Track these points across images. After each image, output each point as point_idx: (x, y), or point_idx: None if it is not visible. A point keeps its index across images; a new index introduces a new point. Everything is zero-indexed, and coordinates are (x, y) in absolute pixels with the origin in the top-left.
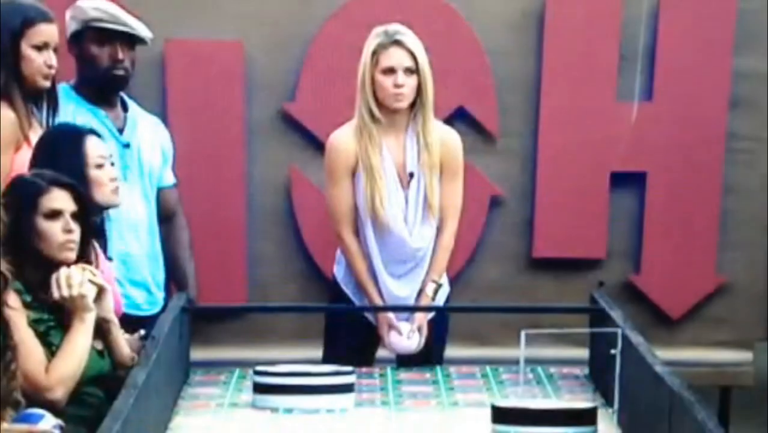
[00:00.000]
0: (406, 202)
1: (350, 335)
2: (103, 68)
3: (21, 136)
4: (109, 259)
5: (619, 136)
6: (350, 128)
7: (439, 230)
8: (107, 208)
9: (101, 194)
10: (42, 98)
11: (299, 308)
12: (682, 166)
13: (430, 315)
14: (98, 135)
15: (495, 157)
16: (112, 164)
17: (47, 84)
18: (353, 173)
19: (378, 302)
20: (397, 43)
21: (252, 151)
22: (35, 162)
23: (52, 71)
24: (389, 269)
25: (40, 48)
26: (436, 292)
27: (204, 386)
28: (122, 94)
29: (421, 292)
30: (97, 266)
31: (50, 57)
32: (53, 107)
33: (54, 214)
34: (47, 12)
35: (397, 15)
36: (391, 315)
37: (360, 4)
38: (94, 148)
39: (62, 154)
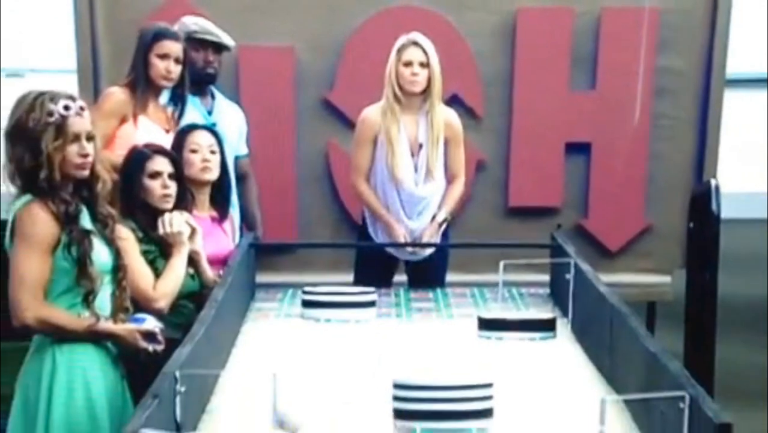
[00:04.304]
0: (415, 166)
1: (373, 265)
2: (198, 68)
3: (129, 113)
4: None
5: (571, 116)
6: (378, 107)
7: (450, 183)
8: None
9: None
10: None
11: (335, 245)
12: (618, 138)
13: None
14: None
15: (480, 132)
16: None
17: (167, 84)
18: (375, 141)
19: (389, 220)
20: (415, 43)
21: (300, 129)
22: None
23: (171, 75)
24: (405, 211)
25: (162, 57)
26: (442, 223)
27: (265, 301)
28: (211, 87)
29: (433, 219)
30: (190, 212)
31: (170, 65)
32: (181, 106)
33: (155, 175)
34: (174, 32)
35: (410, 26)
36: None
37: (384, 17)
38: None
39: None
